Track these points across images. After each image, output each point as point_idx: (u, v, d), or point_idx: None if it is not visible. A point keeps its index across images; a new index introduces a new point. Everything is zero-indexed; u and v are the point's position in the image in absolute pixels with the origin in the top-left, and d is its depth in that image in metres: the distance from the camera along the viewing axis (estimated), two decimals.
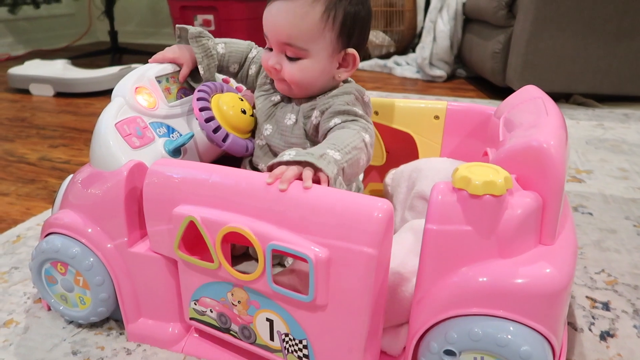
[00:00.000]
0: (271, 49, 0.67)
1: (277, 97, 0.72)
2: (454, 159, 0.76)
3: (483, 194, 0.45)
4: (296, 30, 0.62)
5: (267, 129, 0.71)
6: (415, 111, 0.82)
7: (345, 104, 0.65)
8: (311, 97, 0.69)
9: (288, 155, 0.52)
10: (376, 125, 0.83)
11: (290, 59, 0.65)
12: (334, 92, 0.68)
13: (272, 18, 0.64)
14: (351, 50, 0.67)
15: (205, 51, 0.72)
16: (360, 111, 0.65)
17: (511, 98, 0.72)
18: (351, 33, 0.66)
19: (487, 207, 0.45)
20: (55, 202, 0.67)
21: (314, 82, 0.67)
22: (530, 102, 0.66)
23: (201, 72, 0.72)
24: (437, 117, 0.81)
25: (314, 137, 0.68)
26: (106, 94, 1.90)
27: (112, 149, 0.60)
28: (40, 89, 1.93)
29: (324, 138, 0.63)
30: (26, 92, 1.96)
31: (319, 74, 0.66)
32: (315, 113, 0.67)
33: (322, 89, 0.69)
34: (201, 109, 0.67)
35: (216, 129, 0.67)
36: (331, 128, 0.64)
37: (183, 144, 0.66)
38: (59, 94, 1.92)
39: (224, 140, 0.68)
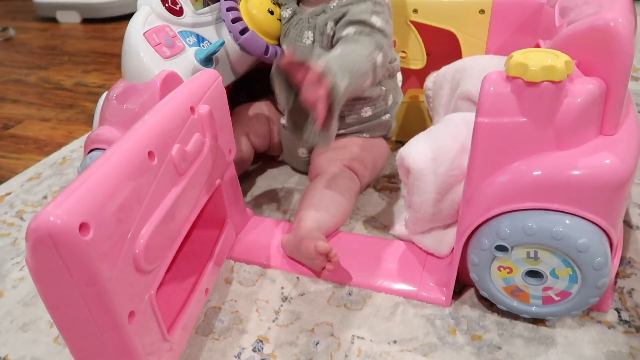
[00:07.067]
0: None
1: (288, 12, 0.69)
2: (502, 55, 0.71)
3: (541, 81, 0.41)
4: None
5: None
6: (458, 6, 0.75)
7: (360, 12, 0.61)
8: (325, 5, 0.66)
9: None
10: (415, 24, 0.77)
11: None
12: None
13: None
14: None
15: None
16: (378, 23, 0.61)
17: None
18: None
19: (545, 95, 0.42)
20: (94, 120, 0.67)
21: None
22: None
23: None
24: (482, 12, 0.74)
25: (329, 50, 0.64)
26: None
27: (144, 60, 0.58)
28: (67, 16, 1.90)
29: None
30: (53, 20, 1.93)
31: None
32: (330, 24, 0.64)
33: None
34: (228, 9, 0.64)
35: (243, 31, 0.64)
36: (342, 37, 0.61)
37: (215, 52, 0.63)
38: (86, 20, 1.89)
39: (242, 33, 0.64)
